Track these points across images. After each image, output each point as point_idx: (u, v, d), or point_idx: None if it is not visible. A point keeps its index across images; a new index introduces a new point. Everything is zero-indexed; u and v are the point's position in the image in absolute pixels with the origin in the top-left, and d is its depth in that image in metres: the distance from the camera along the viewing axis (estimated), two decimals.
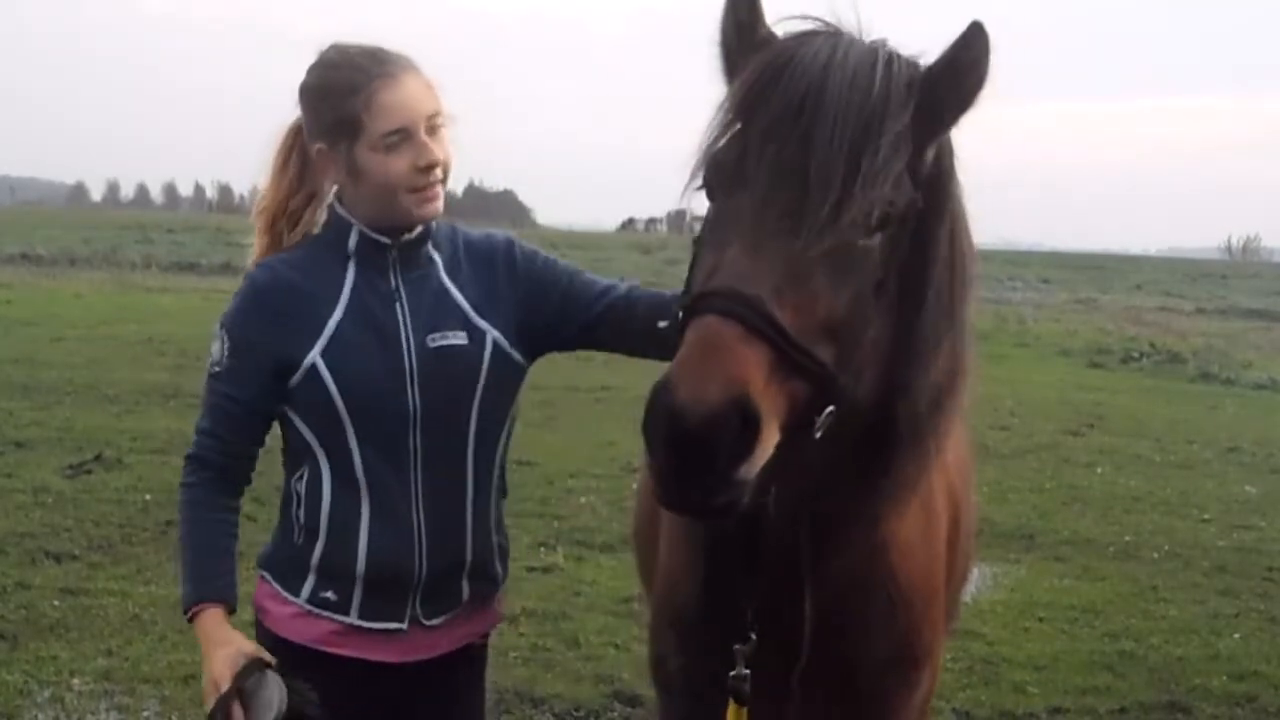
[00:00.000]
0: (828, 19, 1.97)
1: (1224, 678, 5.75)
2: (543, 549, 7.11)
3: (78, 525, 7.19)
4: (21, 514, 7.38)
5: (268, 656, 2.41)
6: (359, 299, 2.43)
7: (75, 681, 5.00)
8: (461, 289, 2.50)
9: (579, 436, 10.50)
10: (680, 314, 1.79)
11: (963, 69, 1.91)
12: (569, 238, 58.53)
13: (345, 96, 2.35)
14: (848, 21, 1.97)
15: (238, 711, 2.37)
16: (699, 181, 1.94)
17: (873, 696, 2.33)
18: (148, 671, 5.12)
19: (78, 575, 6.34)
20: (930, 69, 1.92)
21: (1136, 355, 20.56)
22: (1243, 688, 5.64)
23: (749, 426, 1.63)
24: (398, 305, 2.45)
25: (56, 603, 5.88)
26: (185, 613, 2.45)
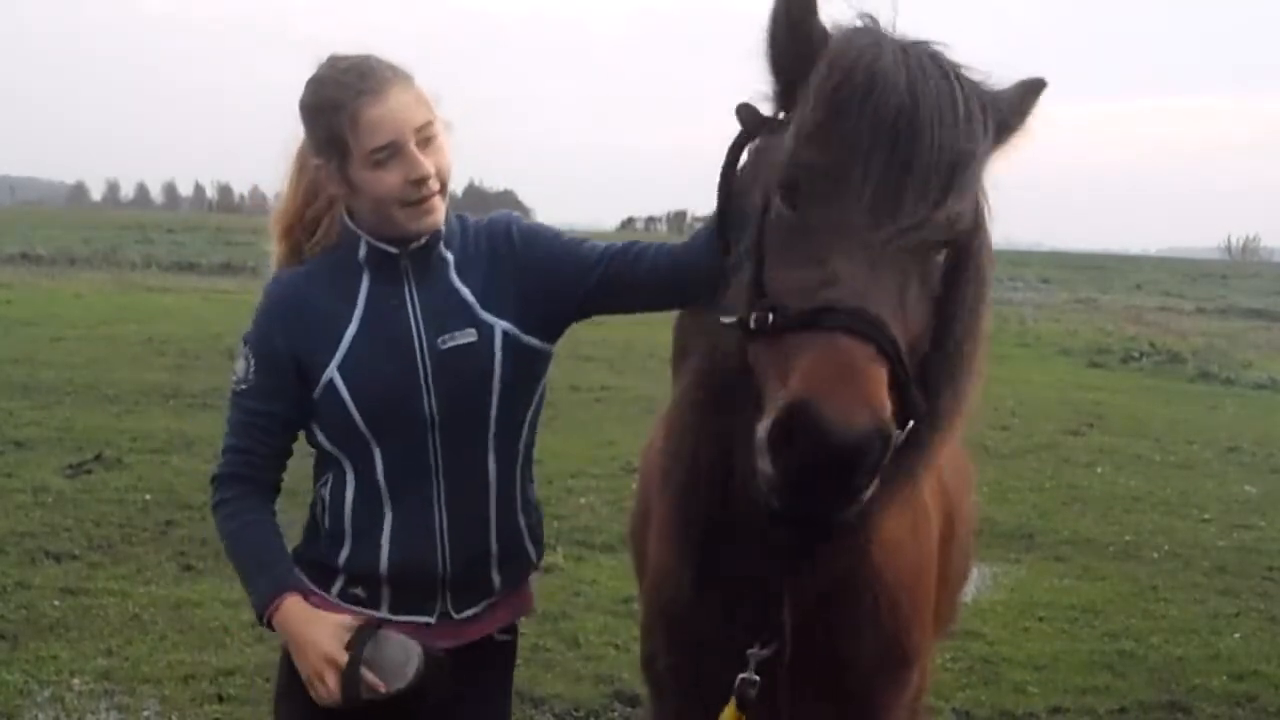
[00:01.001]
0: (874, 17, 1.94)
1: (1224, 678, 5.74)
2: None
3: (78, 525, 7.19)
4: (21, 514, 7.38)
5: (370, 619, 2.37)
6: (373, 309, 2.43)
7: (75, 681, 5.00)
8: (469, 285, 2.47)
9: (579, 436, 10.48)
10: (770, 318, 1.77)
11: (1022, 112, 1.96)
12: None
13: (331, 114, 2.33)
14: (887, 19, 1.95)
15: (372, 678, 2.29)
16: (779, 185, 1.86)
17: (862, 696, 2.33)
18: (148, 671, 5.12)
19: (78, 575, 6.33)
20: (1004, 100, 1.94)
21: (1136, 355, 20.55)
22: (1243, 688, 5.64)
23: (887, 449, 1.65)
24: (410, 312, 2.43)
25: (56, 603, 5.88)
26: (261, 615, 2.40)
